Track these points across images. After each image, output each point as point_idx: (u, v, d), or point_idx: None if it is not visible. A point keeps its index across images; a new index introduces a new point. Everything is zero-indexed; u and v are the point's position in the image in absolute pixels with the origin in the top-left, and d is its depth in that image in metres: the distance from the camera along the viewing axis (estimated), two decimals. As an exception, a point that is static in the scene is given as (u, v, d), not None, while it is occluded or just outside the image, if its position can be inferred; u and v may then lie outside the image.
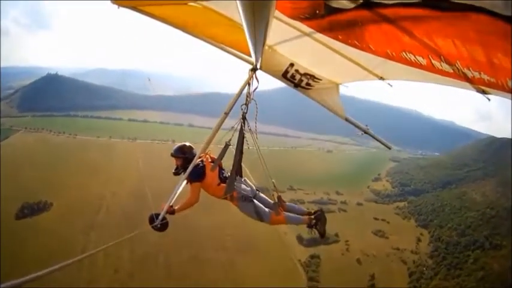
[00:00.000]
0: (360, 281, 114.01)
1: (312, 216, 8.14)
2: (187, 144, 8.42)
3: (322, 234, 8.01)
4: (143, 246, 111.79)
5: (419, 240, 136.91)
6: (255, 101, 7.04)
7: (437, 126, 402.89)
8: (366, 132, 7.04)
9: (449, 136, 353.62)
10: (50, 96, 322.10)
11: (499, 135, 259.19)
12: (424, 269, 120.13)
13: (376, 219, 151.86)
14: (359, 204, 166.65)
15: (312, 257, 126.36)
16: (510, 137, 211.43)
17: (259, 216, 7.83)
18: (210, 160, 8.18)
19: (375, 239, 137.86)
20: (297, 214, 8.34)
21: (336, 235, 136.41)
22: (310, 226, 8.01)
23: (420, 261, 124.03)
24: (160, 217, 7.51)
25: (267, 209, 7.94)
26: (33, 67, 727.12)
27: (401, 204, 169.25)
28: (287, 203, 8.41)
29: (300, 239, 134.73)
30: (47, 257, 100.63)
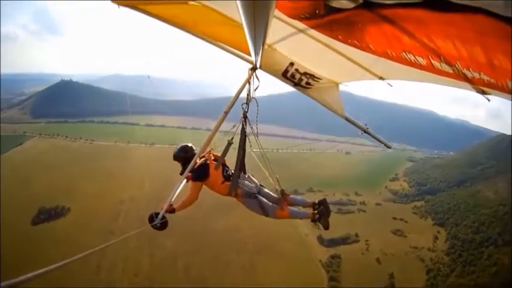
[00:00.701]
0: (379, 280, 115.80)
1: (316, 211, 8.34)
2: (189, 145, 8.90)
3: (326, 227, 8.28)
4: (163, 250, 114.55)
5: (436, 238, 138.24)
6: (255, 100, 7.32)
7: (452, 126, 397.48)
8: (365, 132, 7.42)
9: (463, 135, 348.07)
10: (65, 103, 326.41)
11: (508, 133, 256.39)
12: (441, 266, 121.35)
13: (394, 218, 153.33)
14: (378, 204, 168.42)
15: (333, 257, 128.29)
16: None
17: (264, 211, 8.09)
18: (213, 158, 8.45)
19: (393, 238, 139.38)
20: (300, 205, 8.80)
21: (356, 235, 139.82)
22: (314, 220, 8.27)
23: (437, 259, 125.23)
24: (159, 216, 7.77)
25: (271, 204, 8.17)
26: (45, 74, 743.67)
27: (419, 203, 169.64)
28: (290, 196, 8.67)
29: (320, 239, 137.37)
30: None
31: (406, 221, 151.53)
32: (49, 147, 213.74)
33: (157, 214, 7.76)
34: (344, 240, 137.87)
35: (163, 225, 7.86)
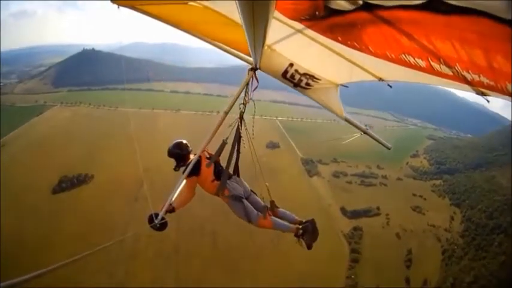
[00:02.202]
0: (398, 255, 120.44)
1: (300, 226, 8.10)
2: (184, 141, 8.76)
3: (309, 246, 8.01)
4: (189, 218, 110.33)
5: (452, 218, 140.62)
6: (253, 101, 7.38)
7: (470, 108, 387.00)
8: (365, 133, 7.40)
9: (480, 119, 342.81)
10: (87, 71, 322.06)
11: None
12: (456, 247, 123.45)
13: (414, 195, 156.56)
14: (399, 179, 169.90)
15: (355, 229, 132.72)
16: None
17: (247, 216, 8.06)
18: (207, 156, 8.43)
19: (413, 215, 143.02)
20: (288, 221, 8.43)
21: (378, 208, 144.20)
22: (297, 236, 8.06)
23: (452, 240, 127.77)
24: (159, 217, 7.85)
25: (255, 211, 8.14)
26: (65, 45, 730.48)
27: (437, 182, 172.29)
28: (280, 209, 8.61)
29: (343, 210, 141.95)
30: (87, 232, 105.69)
31: (425, 198, 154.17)
32: (71, 115, 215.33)
33: (156, 215, 7.92)
34: (366, 213, 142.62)
35: (163, 225, 8.06)
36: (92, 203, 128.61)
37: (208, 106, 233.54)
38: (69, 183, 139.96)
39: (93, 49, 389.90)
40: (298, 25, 4.62)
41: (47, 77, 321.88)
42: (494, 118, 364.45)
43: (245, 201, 8.21)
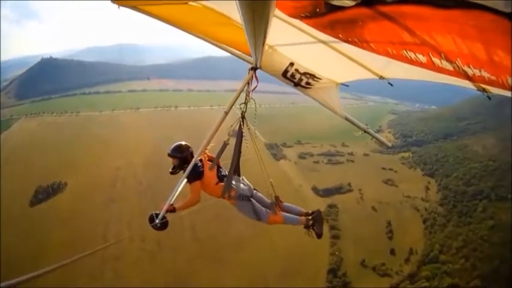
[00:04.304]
0: (378, 228, 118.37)
1: (310, 217, 8.25)
2: (183, 143, 8.30)
3: (319, 234, 8.14)
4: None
5: (427, 188, 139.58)
6: (254, 100, 7.10)
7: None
8: (365, 131, 7.25)
9: (446, 90, 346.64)
10: (46, 80, 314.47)
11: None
12: (436, 216, 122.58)
13: (383, 168, 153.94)
14: (365, 154, 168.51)
15: (330, 206, 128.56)
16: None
17: (256, 215, 7.88)
18: (208, 159, 8.16)
19: (385, 188, 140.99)
20: (295, 214, 8.48)
21: (349, 185, 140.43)
22: (307, 227, 8.20)
23: (432, 209, 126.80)
24: (160, 216, 7.67)
25: (264, 209, 8.00)
26: (25, 56, 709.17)
27: (406, 154, 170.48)
28: (284, 203, 8.49)
29: (315, 190, 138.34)
30: (73, 238, 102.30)
31: (395, 171, 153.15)
32: (37, 126, 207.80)
33: (157, 214, 7.76)
34: (338, 190, 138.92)
35: (164, 225, 7.90)
36: (71, 209, 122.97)
37: (166, 102, 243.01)
38: (45, 193, 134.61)
39: (50, 57, 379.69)
40: (299, 23, 4.56)
41: (11, 91, 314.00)
42: (458, 88, 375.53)
43: (253, 200, 8.04)
